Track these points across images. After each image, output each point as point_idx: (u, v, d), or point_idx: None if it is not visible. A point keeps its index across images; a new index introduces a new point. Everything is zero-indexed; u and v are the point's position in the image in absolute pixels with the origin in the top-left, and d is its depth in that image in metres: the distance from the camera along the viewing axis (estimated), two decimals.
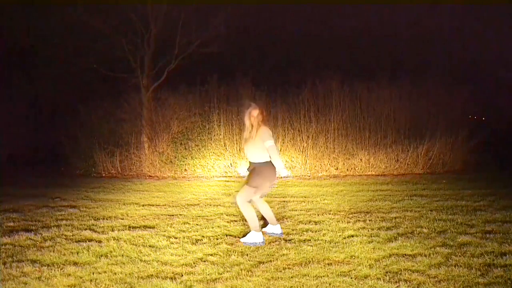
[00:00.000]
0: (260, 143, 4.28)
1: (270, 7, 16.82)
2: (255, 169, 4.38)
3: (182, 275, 3.41)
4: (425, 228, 4.71)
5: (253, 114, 4.33)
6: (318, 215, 5.55)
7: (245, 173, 4.62)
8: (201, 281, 3.29)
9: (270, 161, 4.35)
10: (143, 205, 6.37)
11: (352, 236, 4.47)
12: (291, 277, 3.35)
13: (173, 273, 3.46)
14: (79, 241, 4.37)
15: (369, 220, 5.16)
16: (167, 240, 4.39)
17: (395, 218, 5.26)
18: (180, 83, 10.94)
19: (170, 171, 10.57)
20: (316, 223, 5.11)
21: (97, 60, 10.54)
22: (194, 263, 3.69)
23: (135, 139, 10.88)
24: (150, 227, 4.97)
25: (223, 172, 10.45)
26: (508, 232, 4.43)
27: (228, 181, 9.29)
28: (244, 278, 3.33)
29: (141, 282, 3.26)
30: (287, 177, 4.36)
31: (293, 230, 4.80)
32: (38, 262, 3.71)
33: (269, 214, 4.62)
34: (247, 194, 4.28)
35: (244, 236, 4.45)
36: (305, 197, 6.95)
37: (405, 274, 3.33)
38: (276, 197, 6.95)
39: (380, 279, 3.24)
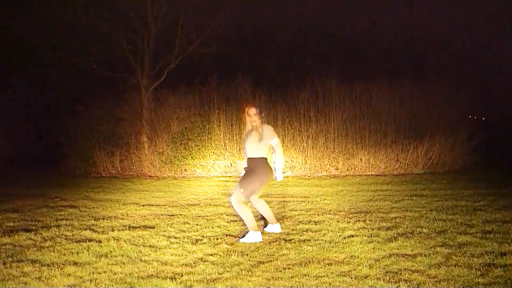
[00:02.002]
0: (264, 141, 4.36)
1: (270, 7, 16.82)
2: (249, 166, 4.42)
3: (182, 275, 3.41)
4: (425, 228, 4.71)
5: (249, 113, 4.40)
6: (318, 215, 5.55)
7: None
8: (201, 281, 3.29)
9: (266, 159, 4.39)
10: (143, 205, 6.37)
11: (352, 236, 4.47)
12: (291, 277, 3.35)
13: (173, 273, 3.46)
14: (79, 241, 4.37)
15: (369, 220, 5.16)
16: (167, 240, 4.39)
17: (395, 218, 5.26)
18: (180, 83, 10.94)
19: (170, 171, 10.57)
20: (316, 223, 5.11)
21: (97, 60, 10.53)
22: (194, 263, 3.69)
23: (135, 139, 10.88)
24: (150, 227, 4.97)
25: (223, 172, 10.45)
26: (508, 232, 4.42)
27: (228, 181, 9.29)
28: (244, 278, 3.33)
29: (141, 282, 3.26)
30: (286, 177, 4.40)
31: (293, 230, 4.80)
32: (38, 262, 3.71)
33: (267, 214, 4.63)
34: (237, 194, 4.33)
35: (243, 236, 4.45)
36: (305, 197, 6.95)
37: (405, 274, 3.33)
38: (276, 197, 6.95)
39: (380, 279, 3.24)
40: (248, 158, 4.47)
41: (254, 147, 4.38)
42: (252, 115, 4.39)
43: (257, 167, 4.36)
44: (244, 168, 4.55)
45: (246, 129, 4.52)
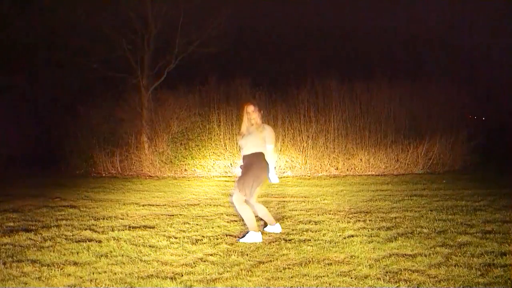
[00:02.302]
0: (263, 141, 4.38)
1: (270, 7, 16.83)
2: (246, 163, 4.41)
3: (182, 275, 3.41)
4: (425, 228, 4.71)
5: (248, 111, 4.41)
6: (318, 215, 5.55)
7: (240, 172, 4.62)
8: (201, 281, 3.29)
9: (263, 155, 4.41)
10: (143, 205, 6.37)
11: (352, 236, 4.46)
12: (291, 277, 3.35)
13: (173, 273, 3.46)
14: (79, 241, 4.37)
15: (369, 220, 5.16)
16: (167, 240, 4.39)
17: (395, 218, 5.26)
18: (180, 83, 10.95)
19: (170, 171, 10.57)
20: (316, 223, 5.11)
21: (97, 60, 10.54)
22: (194, 263, 3.69)
23: (135, 139, 10.89)
24: (150, 227, 4.97)
25: (223, 172, 10.45)
26: (508, 232, 4.42)
27: (228, 181, 9.29)
28: (244, 278, 3.33)
29: (141, 282, 3.26)
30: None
31: (293, 230, 4.80)
32: (38, 262, 3.71)
33: (266, 216, 4.62)
34: (238, 194, 4.34)
35: (243, 236, 4.45)
36: (305, 197, 6.95)
37: (405, 274, 3.33)
38: (276, 197, 6.95)
39: (380, 279, 3.24)
40: (244, 155, 4.45)
41: (254, 145, 4.38)
42: (250, 112, 4.40)
43: (253, 162, 4.34)
44: (240, 166, 4.54)
45: (243, 127, 4.52)
